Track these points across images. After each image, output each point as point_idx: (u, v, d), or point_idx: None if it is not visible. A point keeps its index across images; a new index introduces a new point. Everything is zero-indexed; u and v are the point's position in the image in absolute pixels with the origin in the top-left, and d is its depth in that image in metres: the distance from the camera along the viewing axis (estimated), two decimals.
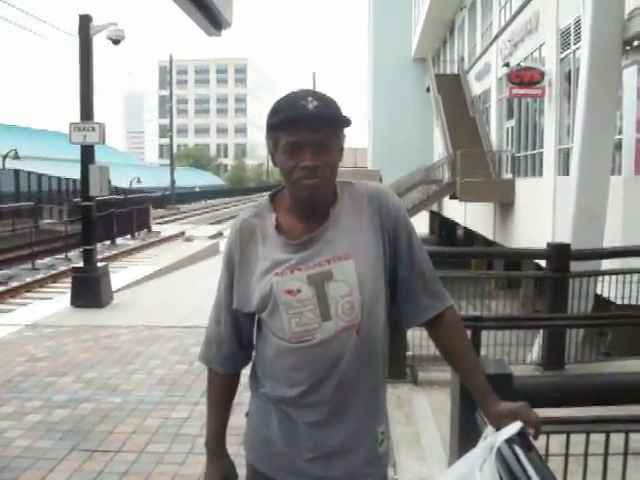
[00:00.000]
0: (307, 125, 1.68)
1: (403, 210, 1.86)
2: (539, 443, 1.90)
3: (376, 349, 1.81)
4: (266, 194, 1.89)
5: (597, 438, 2.42)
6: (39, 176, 33.73)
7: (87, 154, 10.37)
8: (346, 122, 1.74)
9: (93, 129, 10.09)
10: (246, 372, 1.96)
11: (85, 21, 10.28)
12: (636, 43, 7.95)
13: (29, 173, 32.55)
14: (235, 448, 2.22)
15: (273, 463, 1.86)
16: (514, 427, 1.71)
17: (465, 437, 2.11)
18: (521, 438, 1.70)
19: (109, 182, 11.46)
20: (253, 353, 1.94)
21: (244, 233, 1.84)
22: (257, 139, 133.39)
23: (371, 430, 1.84)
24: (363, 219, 1.80)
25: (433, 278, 1.87)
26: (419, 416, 5.11)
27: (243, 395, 2.01)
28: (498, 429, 1.75)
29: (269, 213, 1.82)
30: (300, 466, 1.81)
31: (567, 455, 2.43)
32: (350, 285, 1.73)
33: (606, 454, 2.43)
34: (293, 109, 1.68)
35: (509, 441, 1.69)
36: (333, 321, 1.73)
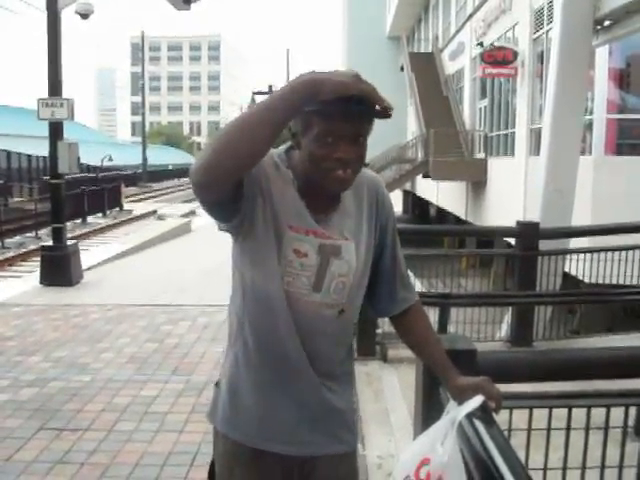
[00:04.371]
0: (350, 117, 1.59)
1: (392, 204, 1.91)
2: (503, 417, 1.92)
3: (348, 331, 1.87)
4: None
5: (560, 413, 2.46)
6: (8, 153, 33.15)
7: (55, 130, 10.19)
8: (389, 115, 1.62)
9: (62, 105, 9.91)
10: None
11: None
12: (607, 23, 7.98)
13: None
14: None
15: (251, 430, 1.81)
16: (476, 401, 1.73)
17: (429, 412, 2.12)
18: (482, 412, 1.71)
19: (79, 159, 11.28)
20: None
21: (270, 164, 1.73)
22: (231, 116, 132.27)
23: (348, 403, 1.89)
24: (362, 207, 1.81)
25: (406, 272, 1.94)
26: (388, 393, 5.15)
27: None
28: (460, 403, 1.76)
29: (285, 168, 1.75)
30: (283, 431, 1.80)
31: (530, 430, 2.46)
32: (350, 267, 1.76)
33: (568, 429, 2.46)
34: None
35: (470, 415, 1.70)
36: (321, 294, 1.73)
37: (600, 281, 6.96)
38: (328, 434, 1.84)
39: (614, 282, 6.90)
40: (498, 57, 17.03)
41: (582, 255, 7.08)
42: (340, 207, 1.77)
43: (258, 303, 1.74)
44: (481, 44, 19.52)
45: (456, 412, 1.75)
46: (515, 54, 16.76)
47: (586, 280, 7.49)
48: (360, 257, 1.78)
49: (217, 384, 1.91)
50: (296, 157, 1.74)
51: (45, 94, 10.08)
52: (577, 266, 7.12)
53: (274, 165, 1.74)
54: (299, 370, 1.76)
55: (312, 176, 1.69)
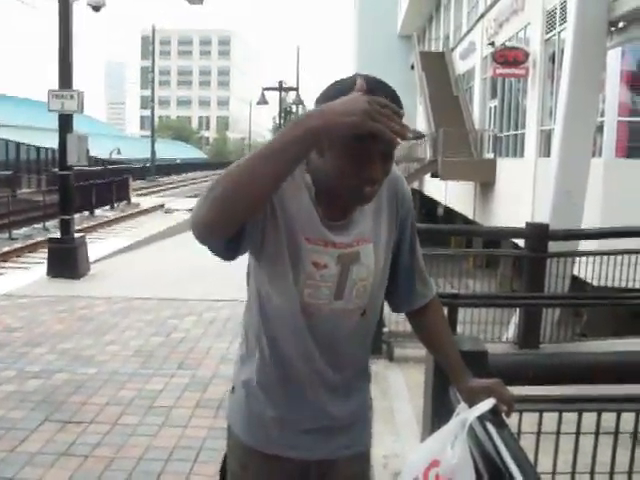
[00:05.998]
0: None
1: (412, 198, 1.83)
2: (512, 421, 1.90)
3: (372, 330, 1.82)
4: None
5: (570, 417, 2.43)
6: (17, 145, 33.20)
7: (65, 122, 10.19)
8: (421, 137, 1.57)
9: (72, 97, 9.92)
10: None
11: None
12: (622, 24, 7.93)
13: (7, 141, 32.03)
14: None
15: (264, 436, 1.78)
16: (487, 404, 1.71)
17: (438, 413, 2.11)
18: (493, 415, 1.69)
19: (88, 152, 11.28)
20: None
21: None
22: (239, 112, 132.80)
23: (367, 401, 1.87)
24: (382, 203, 1.72)
25: (424, 268, 1.87)
26: (394, 392, 5.13)
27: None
28: (471, 406, 1.74)
29: (304, 172, 1.63)
30: (295, 438, 1.77)
31: (539, 433, 2.44)
32: (369, 269, 1.69)
33: (578, 433, 2.44)
34: None
35: (481, 418, 1.68)
36: (344, 301, 1.68)
37: (609, 284, 6.93)
38: (346, 438, 1.81)
39: (622, 286, 6.86)
40: (509, 57, 16.96)
41: (590, 258, 7.04)
42: (359, 208, 1.69)
43: (276, 319, 1.70)
44: (492, 44, 19.46)
45: (467, 414, 1.73)
46: (526, 55, 16.70)
47: (594, 283, 7.45)
48: (379, 257, 1.72)
49: (233, 390, 1.87)
50: (316, 161, 1.59)
51: (54, 86, 10.09)
52: (585, 269, 7.08)
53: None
54: (318, 382, 1.73)
55: (333, 187, 1.59)
